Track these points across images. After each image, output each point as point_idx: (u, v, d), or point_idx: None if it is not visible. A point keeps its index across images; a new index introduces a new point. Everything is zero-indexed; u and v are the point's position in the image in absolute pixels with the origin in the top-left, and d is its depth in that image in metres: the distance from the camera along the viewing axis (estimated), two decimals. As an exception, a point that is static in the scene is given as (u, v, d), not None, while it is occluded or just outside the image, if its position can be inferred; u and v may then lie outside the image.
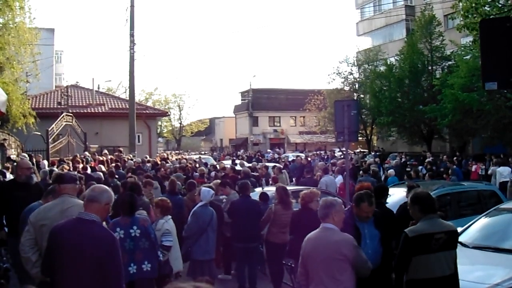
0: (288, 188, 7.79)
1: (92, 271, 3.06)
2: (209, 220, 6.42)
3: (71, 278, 3.10)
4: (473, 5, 13.05)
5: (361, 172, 13.23)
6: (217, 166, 15.11)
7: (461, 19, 14.03)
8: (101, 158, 14.43)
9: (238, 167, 13.60)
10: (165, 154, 23.66)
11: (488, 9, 13.64)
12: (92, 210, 3.24)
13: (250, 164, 15.83)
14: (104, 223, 4.48)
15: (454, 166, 15.16)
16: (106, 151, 17.82)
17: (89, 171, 11.24)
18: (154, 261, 4.92)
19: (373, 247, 4.40)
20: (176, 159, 20.19)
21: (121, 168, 12.67)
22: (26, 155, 12.33)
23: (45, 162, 13.01)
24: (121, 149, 19.07)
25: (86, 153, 15.78)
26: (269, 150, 37.76)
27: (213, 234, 6.48)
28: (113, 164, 12.96)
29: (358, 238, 4.39)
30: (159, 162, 15.60)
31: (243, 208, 6.93)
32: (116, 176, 10.40)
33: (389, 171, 14.11)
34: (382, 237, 4.45)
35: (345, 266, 3.82)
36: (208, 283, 1.56)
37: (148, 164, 14.69)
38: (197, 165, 16.55)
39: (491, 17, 13.59)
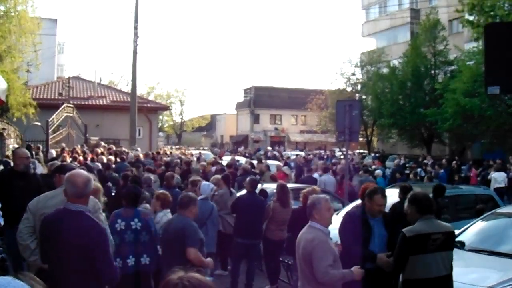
0: (288, 185, 7.80)
1: (81, 260, 3.11)
2: (209, 214, 6.45)
3: (62, 267, 3.16)
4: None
5: (360, 172, 13.28)
6: (217, 160, 15.03)
7: (467, 13, 14.13)
8: (99, 151, 14.44)
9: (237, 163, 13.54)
10: (166, 149, 23.61)
11: (492, 5, 13.78)
12: (79, 202, 3.26)
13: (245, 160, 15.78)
14: (104, 215, 4.49)
15: (442, 170, 15.18)
16: (104, 144, 17.76)
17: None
18: (153, 255, 4.93)
19: (380, 247, 4.43)
20: (175, 154, 20.17)
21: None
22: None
23: (53, 151, 12.96)
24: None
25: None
26: (269, 148, 37.62)
27: (213, 227, 6.50)
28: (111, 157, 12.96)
29: (369, 234, 4.43)
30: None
31: (248, 204, 6.91)
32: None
33: (376, 172, 14.22)
34: (390, 238, 4.44)
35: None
36: (200, 273, 1.54)
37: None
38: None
39: (496, 18, 13.71)
